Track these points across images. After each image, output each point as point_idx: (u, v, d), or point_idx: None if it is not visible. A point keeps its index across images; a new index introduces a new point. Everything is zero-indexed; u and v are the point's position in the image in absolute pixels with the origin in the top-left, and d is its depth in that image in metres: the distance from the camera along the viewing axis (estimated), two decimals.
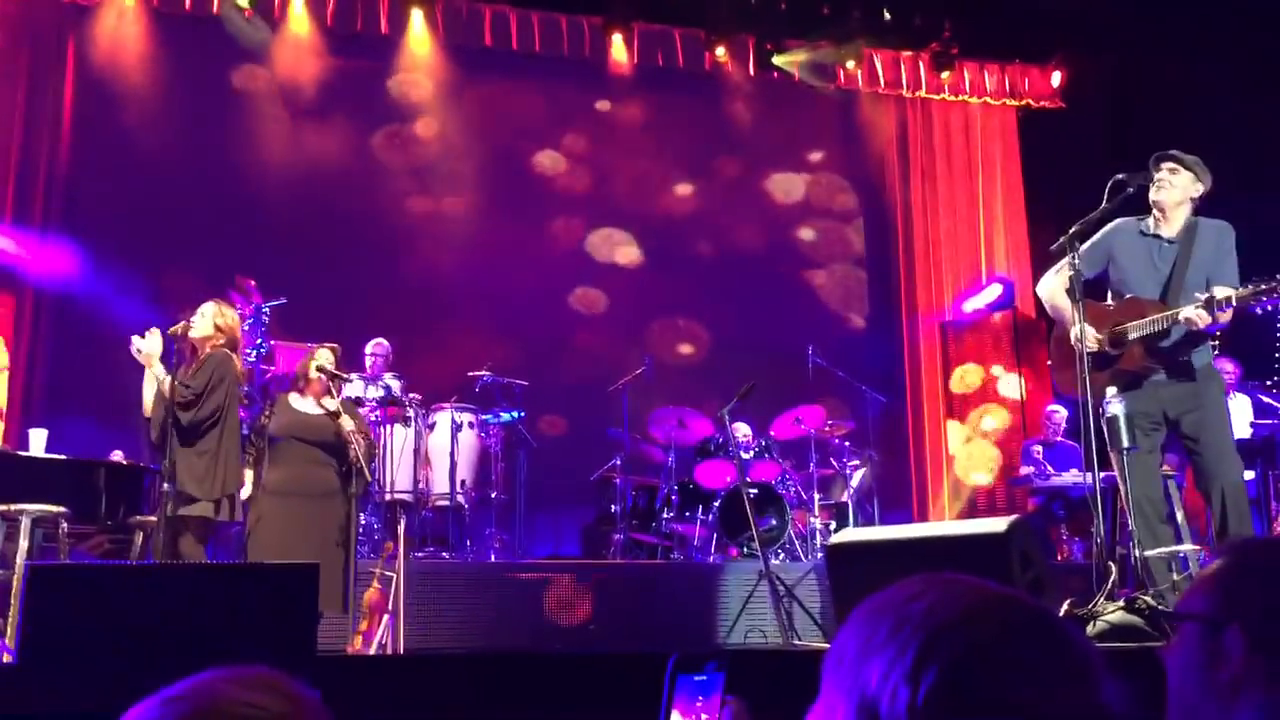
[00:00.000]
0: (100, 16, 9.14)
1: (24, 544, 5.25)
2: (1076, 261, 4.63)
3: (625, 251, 10.50)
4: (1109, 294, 4.94)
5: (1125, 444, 4.48)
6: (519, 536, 8.25)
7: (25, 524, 5.26)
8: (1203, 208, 4.86)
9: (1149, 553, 4.40)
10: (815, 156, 11.23)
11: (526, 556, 8.18)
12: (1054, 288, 4.94)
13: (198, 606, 3.17)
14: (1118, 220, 4.90)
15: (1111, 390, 4.62)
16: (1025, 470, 8.64)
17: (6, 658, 4.77)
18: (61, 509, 5.44)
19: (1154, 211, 4.81)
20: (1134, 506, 4.53)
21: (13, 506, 5.30)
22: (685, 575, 7.32)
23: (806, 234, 11.06)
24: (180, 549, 5.21)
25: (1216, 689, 1.16)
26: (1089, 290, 4.85)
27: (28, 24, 8.97)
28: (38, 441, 6.06)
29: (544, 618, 6.57)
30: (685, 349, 10.42)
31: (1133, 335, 4.68)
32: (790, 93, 10.74)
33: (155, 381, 5.33)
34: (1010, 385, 10.08)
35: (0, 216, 8.51)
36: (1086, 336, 4.68)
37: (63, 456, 6.10)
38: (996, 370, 10.16)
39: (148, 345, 5.32)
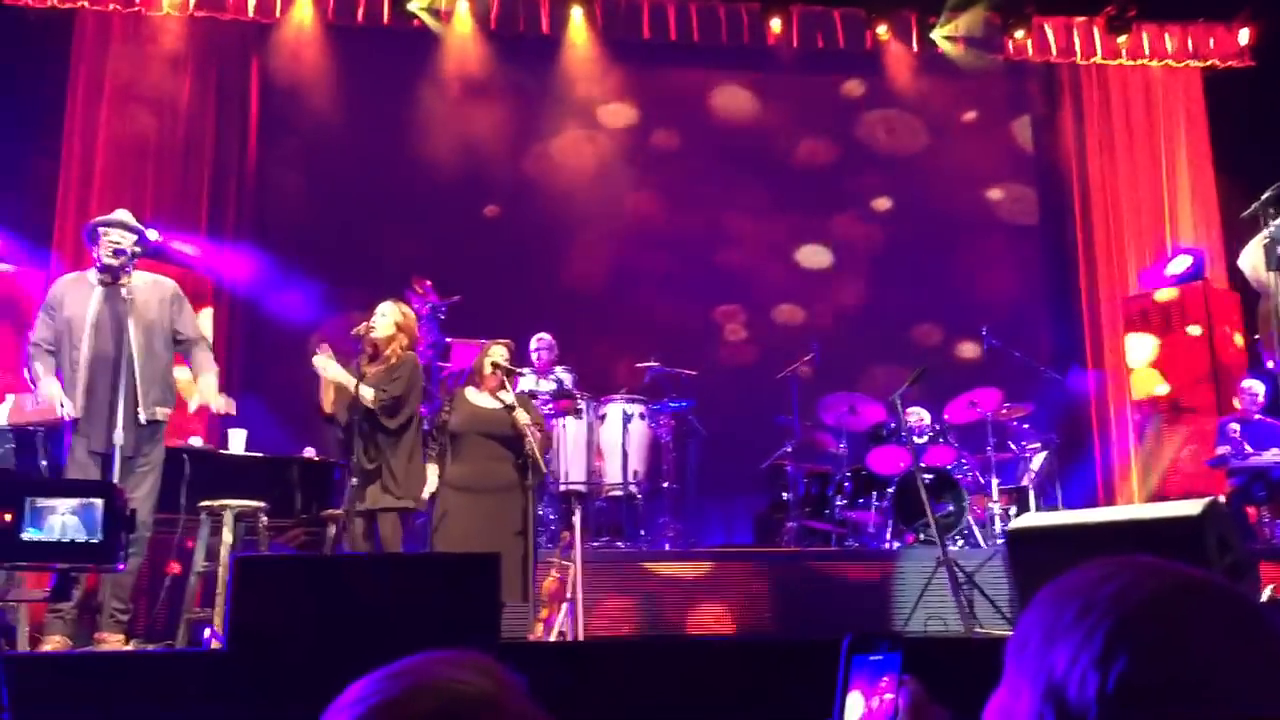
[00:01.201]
0: (280, 33, 9.59)
1: (228, 537, 5.57)
2: (1272, 228, 4.38)
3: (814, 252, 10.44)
4: None
5: None
6: (692, 525, 8.30)
7: (228, 518, 5.59)
8: None
9: None
10: (986, 131, 10.89)
11: (700, 545, 8.22)
12: (1255, 259, 4.65)
13: (388, 595, 3.31)
14: None
15: None
16: (1221, 450, 8.19)
17: (216, 645, 5.08)
18: (261, 504, 5.76)
19: None
20: None
21: (216, 502, 5.64)
22: (861, 562, 7.23)
23: (980, 212, 10.75)
24: (382, 539, 5.44)
25: None
26: None
27: (215, 43, 9.49)
28: (237, 441, 6.42)
29: (718, 605, 6.60)
30: (854, 335, 10.27)
31: None
32: (956, 67, 10.45)
33: (331, 388, 5.57)
34: (1203, 360, 9.56)
35: (196, 228, 9.03)
36: None
37: (261, 455, 6.46)
38: (1187, 345, 9.65)
39: (330, 366, 5.55)
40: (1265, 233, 4.46)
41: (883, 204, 10.57)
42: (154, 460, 5.36)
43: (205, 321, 8.74)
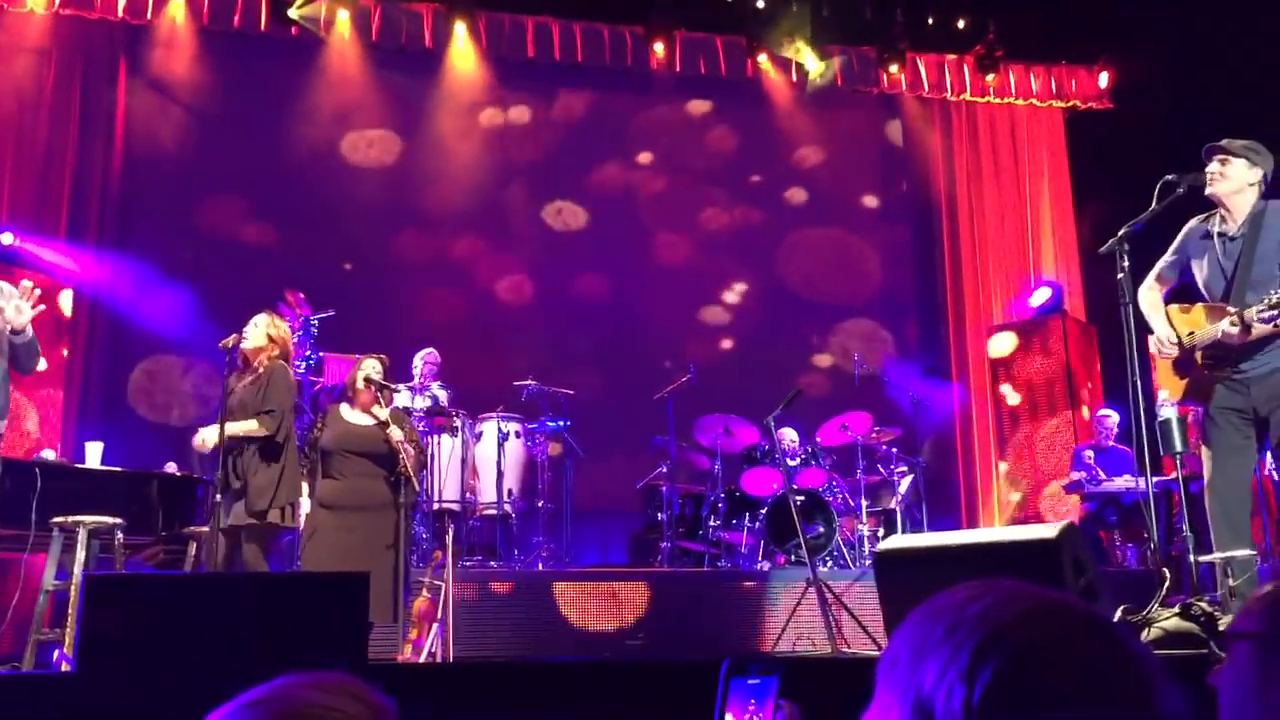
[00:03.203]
0: (152, 35, 9.30)
1: (81, 554, 5.34)
2: (1126, 264, 4.56)
3: (667, 252, 10.52)
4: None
5: (1178, 448, 4.41)
6: (566, 545, 8.28)
7: (82, 535, 5.36)
8: (1275, 190, 4.61)
9: (1204, 558, 4.32)
10: (860, 161, 11.19)
11: (573, 565, 8.20)
12: (1143, 296, 4.82)
13: (252, 615, 3.21)
14: (1190, 222, 4.75)
15: (1164, 394, 4.55)
16: (1076, 475, 8.53)
17: (66, 666, 4.85)
18: (117, 520, 5.54)
19: (1219, 207, 4.66)
20: (1216, 503, 4.39)
21: (70, 518, 5.41)
22: (732, 583, 7.30)
23: (850, 238, 11.02)
24: (244, 556, 5.28)
25: (1269, 709, 1.14)
26: (1182, 295, 4.74)
27: (82, 42, 9.14)
28: (94, 454, 6.18)
29: (590, 627, 6.58)
30: (729, 356, 10.39)
31: (1197, 346, 4.58)
32: (833, 97, 10.71)
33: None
34: (1059, 390, 9.94)
35: (55, 232, 8.67)
36: (1163, 342, 4.61)
37: (118, 469, 6.22)
38: (1046, 375, 10.02)
39: (209, 437, 5.37)
40: (1152, 272, 4.65)
41: (760, 228, 10.74)
42: None
43: (61, 330, 8.42)
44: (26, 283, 4.75)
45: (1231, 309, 4.38)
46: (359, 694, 0.86)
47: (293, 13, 9.26)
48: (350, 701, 0.84)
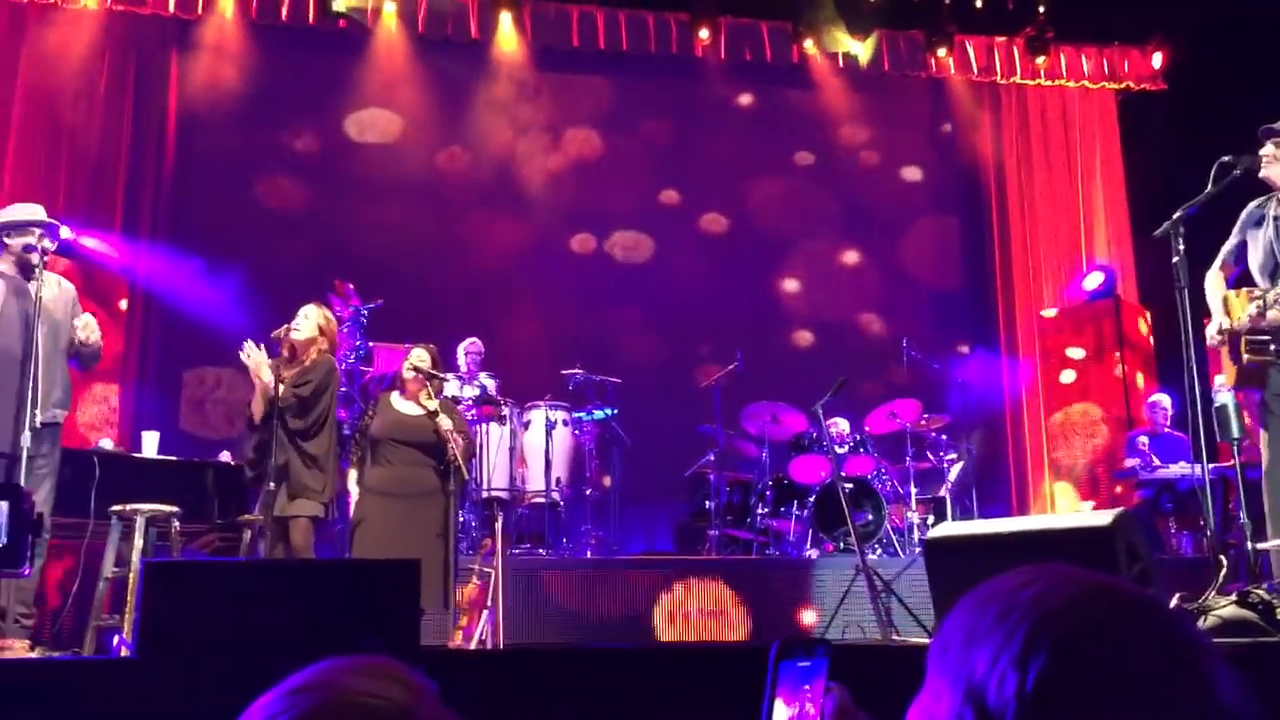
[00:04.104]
0: (201, 29, 9.41)
1: (139, 542, 5.44)
2: (1182, 247, 4.49)
3: (713, 238, 10.49)
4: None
5: (1235, 434, 4.34)
6: (614, 533, 8.30)
7: (140, 523, 5.46)
8: None
9: (1261, 545, 4.26)
10: (909, 146, 11.09)
11: (622, 553, 8.22)
12: (1209, 282, 4.75)
13: (304, 602, 3.25)
14: (1248, 206, 4.71)
15: (1220, 379, 4.48)
16: (1130, 462, 8.41)
17: (125, 652, 4.94)
18: (174, 509, 5.63)
19: (1275, 190, 4.59)
20: (1271, 487, 4.34)
21: (128, 506, 5.50)
22: (781, 571, 7.28)
23: (901, 224, 10.93)
24: (291, 546, 5.35)
25: None
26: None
27: (134, 38, 9.28)
28: (150, 444, 6.28)
29: (639, 613, 6.61)
30: (779, 343, 10.35)
31: (1240, 331, 4.51)
32: (881, 83, 10.63)
33: (263, 390, 5.46)
34: (1113, 375, 9.81)
35: (110, 226, 8.80)
36: (1211, 327, 4.55)
37: (174, 458, 6.32)
38: (1100, 360, 9.89)
39: (256, 354, 5.46)
40: (1219, 257, 4.59)
41: (807, 215, 10.68)
42: (54, 462, 5.22)
43: (118, 322, 8.56)
44: (91, 319, 5.27)
45: (1256, 292, 4.31)
46: (402, 677, 0.87)
47: (339, 5, 9.32)
48: (391, 684, 0.85)
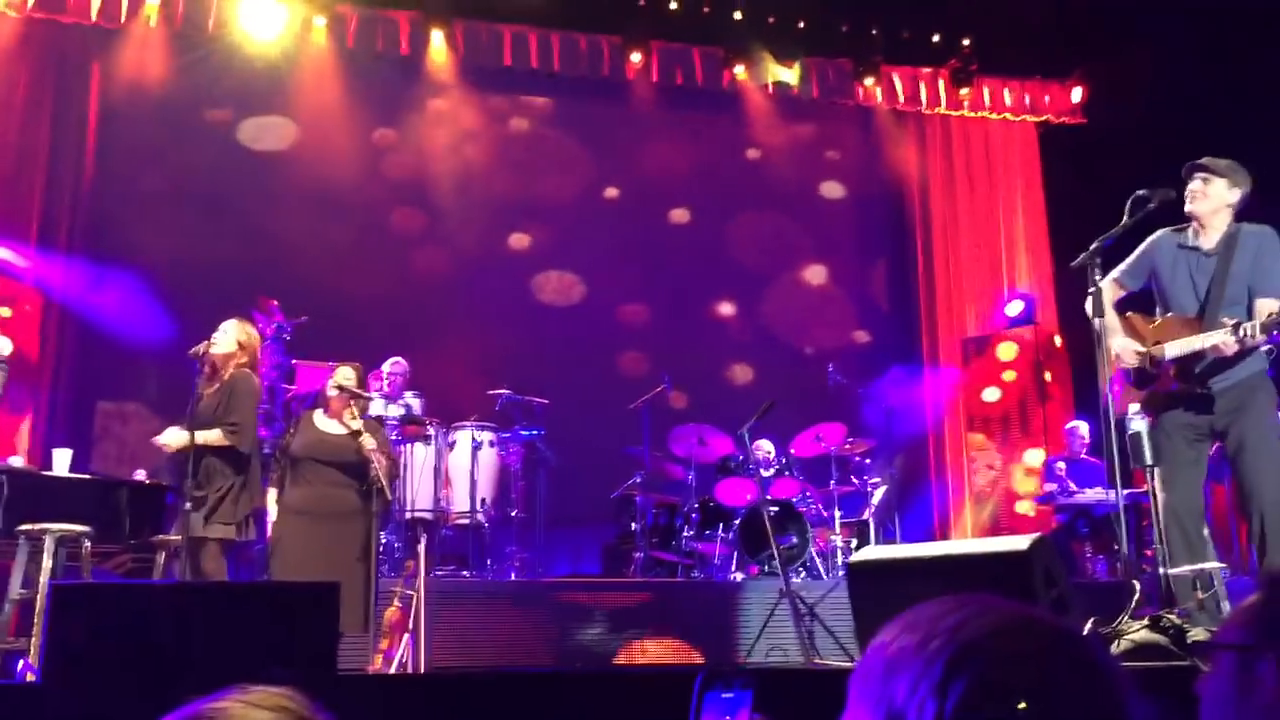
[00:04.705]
0: (124, 39, 9.22)
1: (48, 563, 5.28)
2: (1098, 278, 4.61)
3: (644, 260, 10.52)
4: (1157, 307, 4.84)
5: (1148, 460, 4.44)
6: (539, 554, 8.25)
7: (49, 543, 5.30)
8: (1249, 211, 4.69)
9: (1174, 570, 4.35)
10: (835, 173, 11.24)
11: (547, 575, 8.17)
12: (1104, 295, 4.82)
13: (219, 625, 3.18)
14: (1159, 232, 4.80)
15: (1134, 406, 4.58)
16: (1048, 487, 8.58)
17: (31, 677, 4.79)
18: (85, 528, 5.48)
19: (1193, 223, 4.72)
20: (1170, 519, 4.45)
21: (37, 526, 5.34)
22: (706, 593, 7.29)
23: (825, 251, 11.07)
24: (203, 567, 5.23)
25: (1251, 717, 1.16)
26: (1137, 303, 4.79)
27: (54, 46, 9.07)
28: (61, 461, 6.10)
29: (563, 636, 6.56)
30: (705, 367, 10.40)
31: (1167, 356, 4.62)
32: (809, 110, 10.77)
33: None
34: (1031, 402, 10.01)
35: (25, 238, 8.58)
36: (1126, 353, 4.65)
37: (86, 476, 6.15)
38: (1019, 386, 10.09)
39: (173, 439, 5.37)
40: (1108, 278, 4.69)
41: (733, 239, 10.76)
42: None
43: (30, 334, 8.34)
44: None
45: (1227, 321, 4.41)
46: (295, 709, 0.85)
47: (267, 32, 9.19)
48: (286, 716, 0.83)
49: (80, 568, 5.53)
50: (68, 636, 3.04)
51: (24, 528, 5.35)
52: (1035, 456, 9.67)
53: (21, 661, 5.14)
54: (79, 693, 2.97)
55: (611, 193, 10.63)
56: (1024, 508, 9.64)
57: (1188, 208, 4.66)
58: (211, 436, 5.33)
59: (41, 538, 5.31)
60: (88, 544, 5.50)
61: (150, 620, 3.13)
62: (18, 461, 7.02)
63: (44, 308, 8.58)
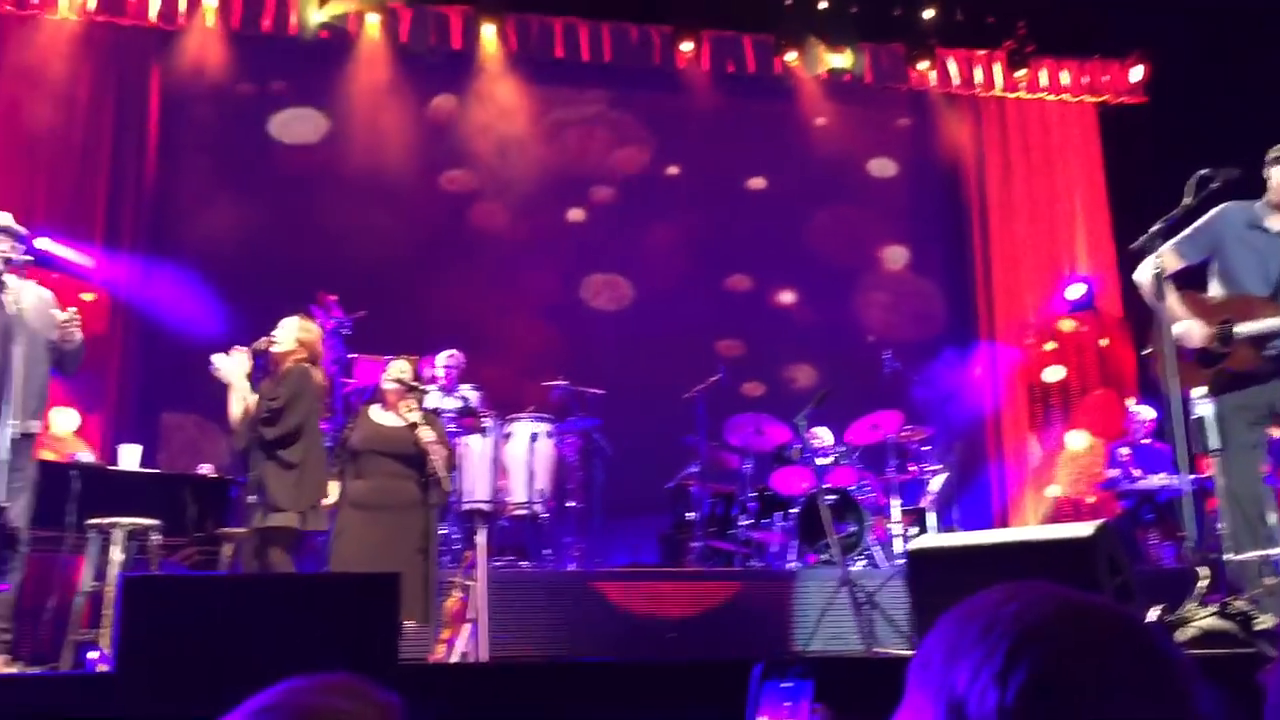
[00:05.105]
0: (183, 40, 9.37)
1: (117, 556, 5.40)
2: (1160, 257, 4.52)
3: (701, 248, 10.51)
4: (1211, 282, 4.74)
5: (1214, 445, 4.36)
6: (596, 545, 8.27)
7: (119, 536, 5.42)
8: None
9: (1240, 556, 4.27)
10: (890, 158, 11.13)
11: (604, 565, 8.20)
12: (1162, 263, 4.74)
13: (283, 616, 3.23)
14: (1226, 205, 4.69)
15: (1199, 390, 4.50)
16: (1111, 474, 8.45)
17: (103, 667, 4.90)
18: (153, 521, 5.59)
19: (1268, 199, 4.63)
20: (1231, 504, 4.38)
21: (106, 520, 5.46)
22: (764, 583, 7.28)
23: (882, 237, 10.98)
24: (268, 559, 5.29)
25: None
26: (1185, 277, 4.71)
27: (115, 48, 9.24)
28: (129, 457, 6.24)
29: (623, 625, 6.59)
30: (761, 356, 10.36)
31: (1241, 334, 4.52)
32: (862, 94, 10.68)
33: (241, 398, 5.41)
34: (1094, 386, 9.87)
35: (91, 238, 8.76)
36: (1193, 333, 4.56)
37: (153, 470, 6.28)
38: (1080, 370, 9.95)
39: (227, 365, 5.40)
40: (1163, 248, 4.60)
41: (788, 227, 10.71)
42: (30, 475, 5.13)
43: (99, 334, 8.49)
44: (75, 312, 5.18)
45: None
46: (363, 693, 0.87)
47: (319, 16, 9.29)
48: (356, 701, 0.85)
49: (149, 560, 5.65)
50: (138, 627, 3.11)
51: (94, 521, 5.47)
52: (1081, 440, 9.52)
53: (94, 651, 5.26)
54: (149, 681, 3.04)
55: (668, 178, 10.62)
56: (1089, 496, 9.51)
57: (1268, 197, 4.59)
58: (251, 402, 5.37)
59: (111, 531, 5.43)
60: (155, 537, 5.62)
61: (217, 611, 3.20)
62: (87, 457, 7.18)
63: (110, 307, 8.75)
